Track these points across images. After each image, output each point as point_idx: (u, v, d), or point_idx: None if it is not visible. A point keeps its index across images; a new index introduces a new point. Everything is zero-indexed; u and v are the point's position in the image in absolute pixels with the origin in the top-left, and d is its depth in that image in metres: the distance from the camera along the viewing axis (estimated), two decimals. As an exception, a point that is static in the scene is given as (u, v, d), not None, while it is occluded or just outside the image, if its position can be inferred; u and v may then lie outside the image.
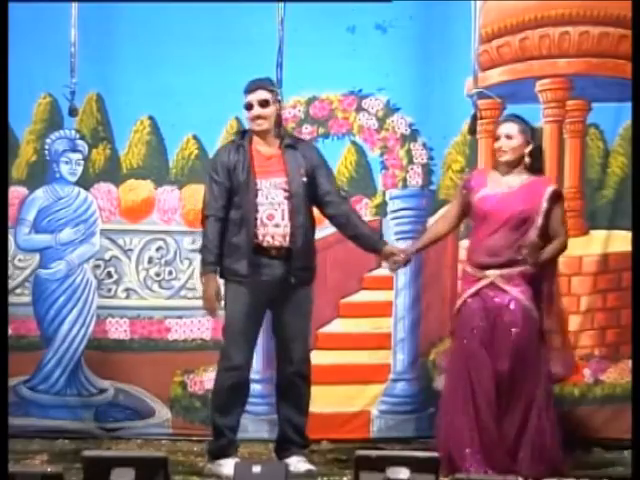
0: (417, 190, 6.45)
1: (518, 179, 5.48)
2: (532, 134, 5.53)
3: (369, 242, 5.55)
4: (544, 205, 5.42)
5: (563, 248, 5.52)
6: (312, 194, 5.44)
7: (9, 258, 6.28)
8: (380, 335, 6.43)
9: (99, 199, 6.44)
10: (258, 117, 5.40)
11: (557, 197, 5.49)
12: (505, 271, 5.41)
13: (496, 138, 5.53)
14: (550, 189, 5.48)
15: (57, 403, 6.39)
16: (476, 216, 5.53)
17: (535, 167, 5.51)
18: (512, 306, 5.41)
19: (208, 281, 5.40)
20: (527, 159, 5.48)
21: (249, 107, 5.42)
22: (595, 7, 6.40)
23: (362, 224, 5.57)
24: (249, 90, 5.43)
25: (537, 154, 5.52)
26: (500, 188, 5.48)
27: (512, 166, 5.49)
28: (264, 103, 5.39)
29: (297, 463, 5.38)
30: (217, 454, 5.41)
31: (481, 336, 5.42)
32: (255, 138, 5.44)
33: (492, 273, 5.43)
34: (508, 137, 5.48)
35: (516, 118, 5.59)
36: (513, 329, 5.40)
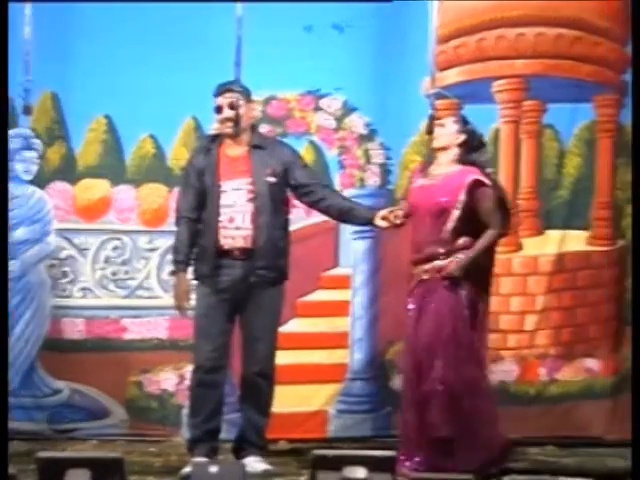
0: (375, 189, 6.46)
1: (444, 171, 5.43)
2: (466, 130, 5.44)
3: (359, 214, 5.50)
4: (461, 197, 5.32)
5: (492, 240, 5.37)
6: (293, 191, 5.45)
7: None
8: (337, 334, 6.44)
9: (54, 198, 6.39)
10: (227, 120, 5.39)
11: (478, 187, 5.33)
12: (429, 266, 5.38)
13: (427, 134, 5.56)
14: (469, 179, 5.35)
15: (11, 404, 6.31)
16: (408, 208, 5.51)
17: (466, 160, 5.42)
18: (436, 302, 5.36)
19: (177, 280, 5.48)
20: (456, 149, 5.42)
21: (219, 110, 5.41)
22: (551, 9, 6.44)
23: (348, 203, 5.54)
24: (219, 93, 5.43)
25: (468, 147, 5.41)
26: (425, 180, 5.47)
27: (442, 156, 5.43)
28: (233, 106, 5.38)
29: (254, 463, 5.38)
30: (190, 450, 5.45)
31: (412, 335, 5.41)
32: (225, 141, 5.45)
33: (418, 270, 5.43)
34: (440, 125, 5.49)
35: (458, 113, 5.61)
36: (439, 325, 5.35)
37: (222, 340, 5.40)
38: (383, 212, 5.46)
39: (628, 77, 6.51)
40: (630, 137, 6.52)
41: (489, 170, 5.49)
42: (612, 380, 6.55)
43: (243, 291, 5.38)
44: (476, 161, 5.45)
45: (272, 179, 5.39)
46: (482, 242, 5.34)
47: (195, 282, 5.49)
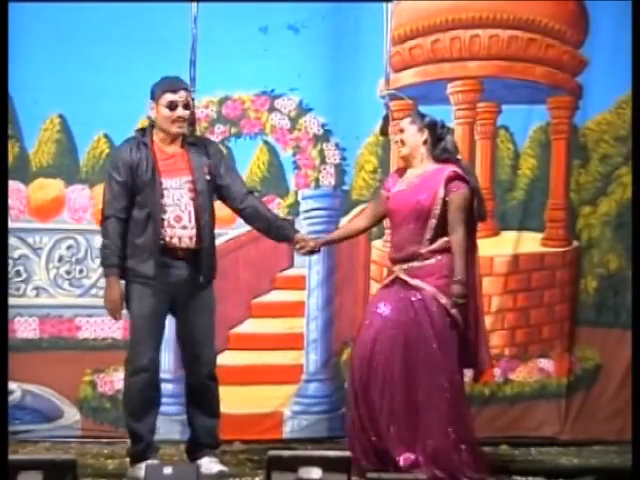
0: (329, 190, 6.47)
1: (421, 171, 5.42)
2: (426, 124, 5.40)
3: (280, 232, 5.45)
4: (441, 191, 5.32)
5: (463, 249, 5.33)
6: (217, 191, 5.38)
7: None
8: (293, 335, 6.43)
9: (8, 197, 6.33)
10: (181, 119, 5.30)
11: (456, 179, 5.33)
12: (408, 265, 5.38)
13: (381, 136, 5.56)
14: (447, 171, 5.34)
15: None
16: (388, 214, 5.53)
17: (438, 156, 5.40)
18: (418, 298, 5.35)
19: (111, 284, 5.25)
20: (422, 149, 5.41)
21: (173, 107, 5.30)
22: (505, 11, 6.48)
23: (271, 215, 5.50)
24: (173, 89, 5.30)
25: (435, 142, 5.40)
26: (405, 183, 5.45)
27: (413, 158, 5.43)
28: (187, 105, 5.32)
29: (209, 464, 5.33)
30: (137, 458, 5.32)
31: (384, 328, 5.40)
32: (159, 136, 5.32)
33: (397, 268, 5.43)
34: (401, 131, 5.47)
35: (412, 112, 5.62)
36: (421, 322, 5.35)
37: (160, 341, 5.34)
38: (301, 236, 5.48)
39: (581, 79, 6.58)
40: (586, 139, 6.61)
41: (459, 157, 5.47)
42: (566, 380, 6.59)
43: (184, 291, 5.29)
44: (448, 153, 5.41)
45: (208, 177, 5.33)
46: (459, 259, 5.30)
47: (126, 282, 5.28)
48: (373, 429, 5.35)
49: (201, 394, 5.37)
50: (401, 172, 5.55)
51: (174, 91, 5.29)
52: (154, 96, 5.31)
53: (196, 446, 5.45)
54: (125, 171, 5.22)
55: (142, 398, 5.31)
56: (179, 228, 5.27)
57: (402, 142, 5.44)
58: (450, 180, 5.32)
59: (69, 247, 6.40)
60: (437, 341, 5.34)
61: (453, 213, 5.31)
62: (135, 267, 5.24)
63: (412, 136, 5.41)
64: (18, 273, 6.35)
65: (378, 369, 5.35)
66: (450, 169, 5.35)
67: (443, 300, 5.33)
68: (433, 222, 5.34)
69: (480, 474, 5.36)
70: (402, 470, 5.26)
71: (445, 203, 5.32)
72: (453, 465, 5.30)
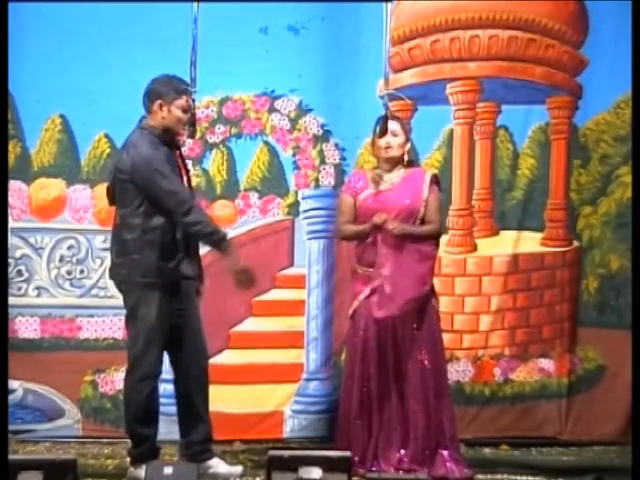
0: (329, 190, 6.47)
1: (398, 174, 5.58)
2: (409, 136, 5.71)
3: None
4: (425, 192, 5.52)
5: (432, 234, 5.55)
6: None
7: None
8: (293, 334, 6.44)
9: (9, 197, 6.35)
10: (187, 122, 5.34)
11: (434, 183, 5.59)
12: None
13: (380, 135, 5.58)
14: (429, 175, 5.60)
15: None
16: (363, 216, 5.58)
17: (409, 162, 5.66)
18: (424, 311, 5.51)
19: (235, 251, 5.24)
20: (405, 156, 5.61)
21: (186, 110, 5.30)
22: (504, 11, 6.48)
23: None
24: (184, 92, 5.30)
25: (411, 153, 5.71)
26: (383, 185, 5.57)
27: (395, 163, 5.59)
28: (189, 109, 5.35)
29: (221, 464, 5.36)
30: (139, 459, 5.32)
31: (383, 331, 5.47)
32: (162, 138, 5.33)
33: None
34: (394, 134, 5.57)
35: (397, 117, 5.73)
36: (420, 318, 5.47)
37: None
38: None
39: (581, 79, 6.59)
40: (586, 139, 6.61)
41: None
42: (566, 380, 6.59)
43: (193, 288, 5.33)
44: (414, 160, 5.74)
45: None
46: (424, 228, 5.52)
47: (143, 286, 5.25)
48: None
49: (203, 385, 5.33)
50: (364, 173, 5.68)
51: (185, 94, 5.30)
52: (163, 96, 5.28)
53: (200, 444, 5.40)
54: (169, 166, 5.21)
55: (149, 404, 5.30)
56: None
57: (397, 146, 5.57)
58: (432, 182, 5.56)
59: (70, 247, 6.41)
60: (430, 341, 5.50)
61: (432, 211, 5.53)
62: (180, 268, 5.23)
63: (404, 144, 5.59)
64: (19, 273, 6.36)
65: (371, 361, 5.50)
66: (430, 172, 5.63)
67: (433, 301, 5.53)
68: (419, 223, 5.53)
69: (466, 471, 5.46)
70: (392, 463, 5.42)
71: (425, 204, 5.51)
72: (439, 461, 5.42)
